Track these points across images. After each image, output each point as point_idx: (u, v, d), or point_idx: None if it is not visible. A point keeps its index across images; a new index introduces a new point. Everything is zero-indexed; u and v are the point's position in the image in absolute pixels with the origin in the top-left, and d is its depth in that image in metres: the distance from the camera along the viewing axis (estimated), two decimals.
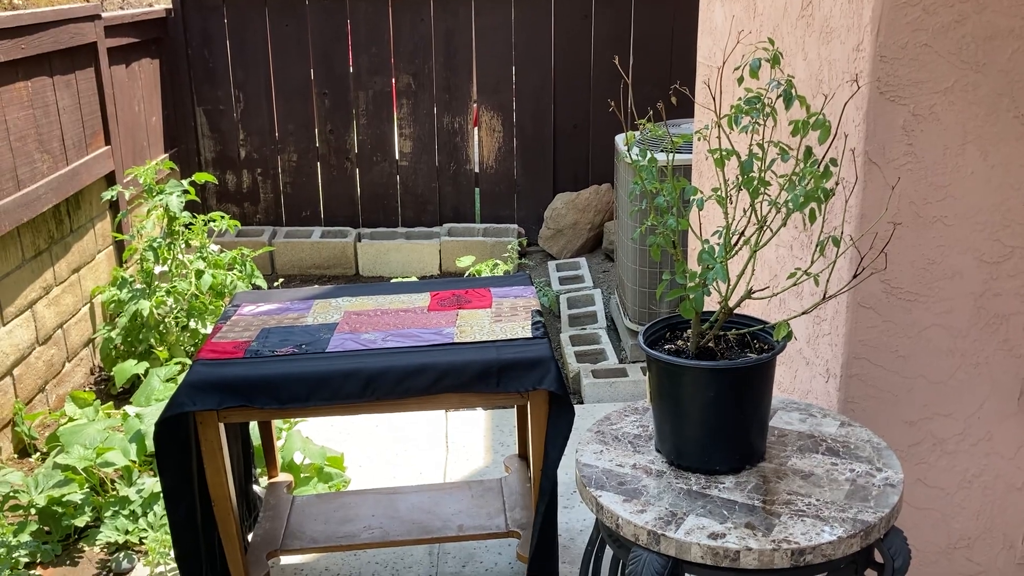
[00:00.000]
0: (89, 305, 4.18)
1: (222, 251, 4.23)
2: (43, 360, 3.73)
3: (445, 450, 3.46)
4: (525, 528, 2.52)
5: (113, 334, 3.89)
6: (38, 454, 3.48)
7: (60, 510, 2.94)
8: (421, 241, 5.50)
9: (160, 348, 3.78)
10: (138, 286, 3.98)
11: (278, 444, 3.01)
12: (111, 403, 3.74)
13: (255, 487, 2.84)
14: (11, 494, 2.90)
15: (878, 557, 1.77)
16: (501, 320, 2.43)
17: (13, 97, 3.54)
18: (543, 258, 5.61)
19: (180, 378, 3.53)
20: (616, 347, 4.34)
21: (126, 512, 2.93)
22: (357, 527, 2.58)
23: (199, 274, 3.94)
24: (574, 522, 2.91)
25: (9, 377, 3.47)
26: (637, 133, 4.41)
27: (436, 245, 5.47)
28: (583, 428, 3.04)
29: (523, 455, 2.92)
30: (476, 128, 5.76)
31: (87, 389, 4.04)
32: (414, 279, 4.93)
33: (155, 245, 3.87)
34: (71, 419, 3.44)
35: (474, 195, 5.84)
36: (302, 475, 3.11)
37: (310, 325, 2.45)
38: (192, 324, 3.89)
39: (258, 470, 3.12)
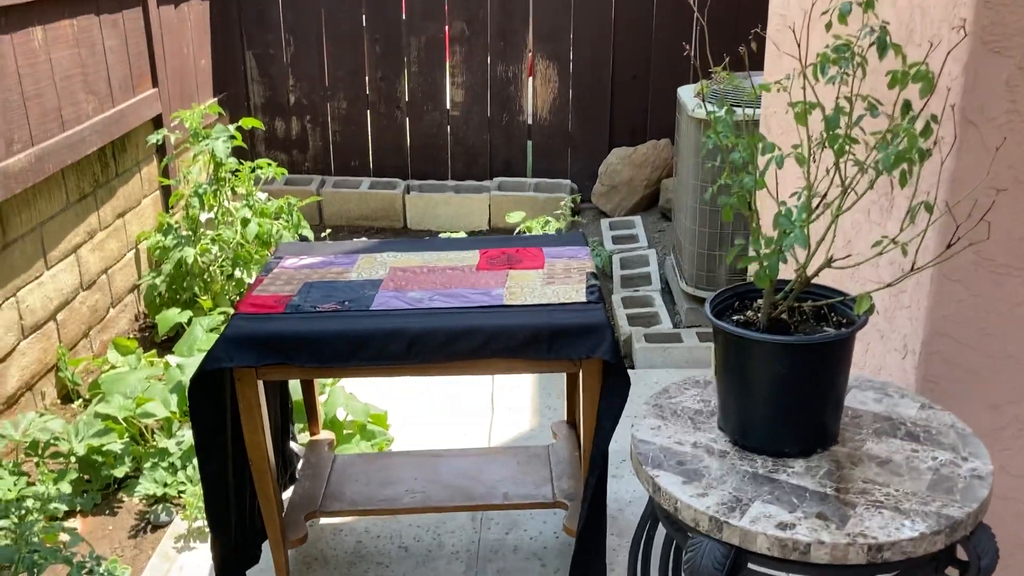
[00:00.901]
0: (134, 251, 4.13)
1: (269, 199, 4.14)
2: (87, 305, 3.69)
3: (491, 411, 3.35)
4: (572, 499, 2.40)
5: (157, 281, 3.83)
6: (80, 400, 3.44)
7: (100, 459, 2.90)
8: (470, 195, 5.36)
9: (204, 297, 3.71)
10: (184, 233, 3.91)
11: (320, 399, 2.92)
12: (154, 351, 3.69)
13: (292, 443, 2.76)
14: (51, 441, 2.86)
15: (961, 554, 1.62)
16: (554, 282, 2.29)
17: (59, 35, 3.45)
18: (596, 215, 5.44)
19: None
20: (670, 311, 4.18)
21: (165, 464, 2.88)
22: (398, 490, 2.49)
23: (245, 223, 3.85)
24: (623, 492, 2.80)
25: (53, 322, 3.43)
26: (707, 84, 4.20)
27: (486, 199, 5.33)
28: (634, 395, 2.91)
29: (571, 421, 2.80)
30: (531, 78, 5.57)
31: (131, 336, 4.00)
32: (462, 234, 4.81)
33: (201, 192, 3.78)
34: (113, 366, 3.39)
35: (526, 148, 5.68)
36: (344, 432, 3.03)
37: (354, 281, 2.34)
38: (237, 273, 3.82)
39: (299, 426, 3.05)
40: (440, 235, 5.14)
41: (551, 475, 2.54)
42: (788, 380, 1.70)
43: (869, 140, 1.80)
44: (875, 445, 1.77)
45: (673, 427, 1.86)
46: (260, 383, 2.13)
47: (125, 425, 2.94)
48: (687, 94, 4.12)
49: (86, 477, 2.93)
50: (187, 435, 2.98)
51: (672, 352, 3.67)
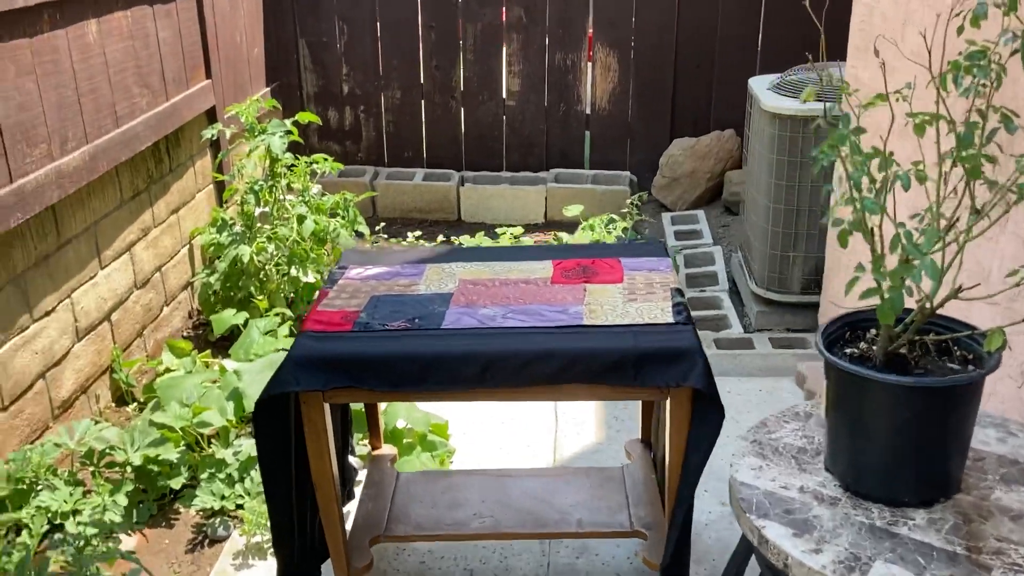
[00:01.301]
0: (188, 247, 4.05)
1: (324, 194, 4.03)
2: (141, 304, 3.61)
3: (554, 421, 3.22)
4: (651, 528, 2.27)
5: (212, 279, 3.75)
6: (135, 404, 3.37)
7: (156, 469, 2.82)
8: (526, 187, 5.21)
9: (259, 297, 3.61)
10: (238, 229, 3.81)
11: (380, 407, 2.81)
12: (208, 351, 3.61)
13: (351, 457, 2.66)
14: (107, 451, 2.78)
15: None
16: (636, 299, 2.14)
17: (112, 28, 3.35)
18: (656, 209, 5.26)
19: (280, 332, 3.36)
20: (739, 312, 4.01)
21: (222, 476, 2.79)
22: (466, 513, 2.37)
23: (301, 219, 3.75)
24: (699, 514, 2.65)
25: (107, 322, 3.36)
26: (777, 77, 4.00)
27: (542, 191, 5.17)
28: None
29: (645, 440, 2.66)
30: (589, 66, 5.40)
31: (185, 334, 3.93)
32: (519, 230, 4.67)
33: (256, 188, 3.68)
34: (168, 369, 3.31)
35: (584, 139, 5.51)
36: (405, 441, 2.92)
37: (423, 295, 2.21)
38: (293, 272, 3.72)
39: (358, 435, 2.94)
40: (495, 229, 5.00)
41: (627, 500, 2.40)
42: (911, 424, 1.54)
43: (999, 156, 1.62)
44: (1004, 494, 1.60)
45: (776, 468, 1.71)
46: (327, 405, 2.02)
47: (181, 434, 2.85)
48: (760, 86, 3.92)
49: (142, 487, 2.85)
50: (244, 444, 2.89)
51: (743, 360, 3.51)
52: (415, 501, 2.43)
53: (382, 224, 5.00)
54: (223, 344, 3.70)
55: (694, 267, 4.34)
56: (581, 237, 4.53)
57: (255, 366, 3.00)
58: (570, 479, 2.51)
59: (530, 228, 5.09)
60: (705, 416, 1.94)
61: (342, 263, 2.43)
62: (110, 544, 2.57)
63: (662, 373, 1.91)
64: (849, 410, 1.60)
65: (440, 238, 4.83)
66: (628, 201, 4.06)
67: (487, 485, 2.48)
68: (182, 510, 2.85)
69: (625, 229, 3.75)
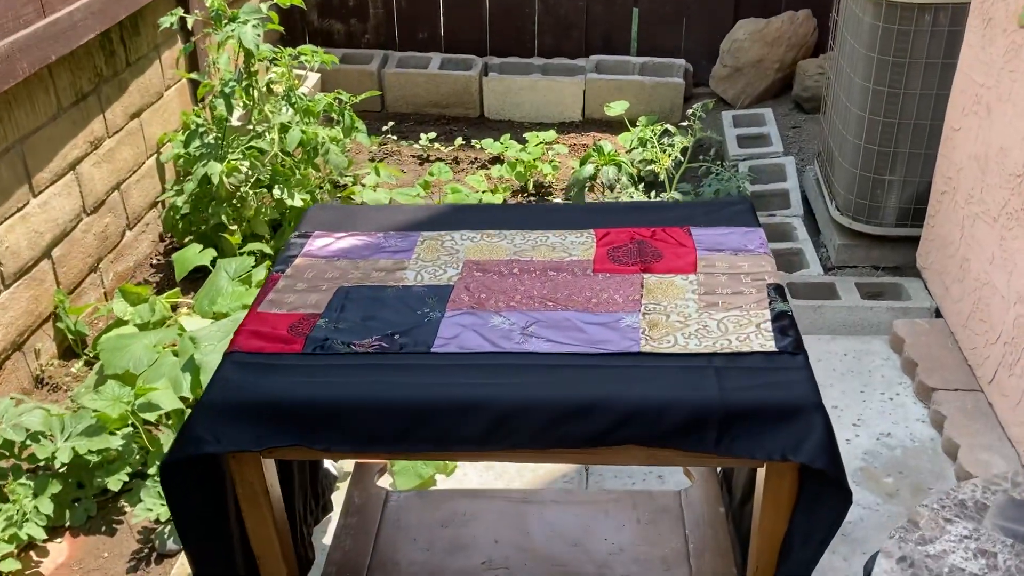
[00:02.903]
0: (155, 156, 3.39)
1: (315, 95, 3.32)
2: (93, 233, 2.99)
3: None
4: None
5: (179, 201, 3.10)
6: (83, 361, 2.80)
7: (94, 459, 2.26)
8: (561, 78, 4.43)
9: (232, 228, 2.98)
10: (211, 139, 3.14)
11: None
12: (178, 289, 3.00)
13: (328, 463, 2.07)
14: (27, 443, 2.21)
15: None
16: (716, 303, 1.48)
17: None
18: (715, 105, 4.48)
19: (254, 277, 2.73)
20: (814, 242, 3.31)
21: None
22: (473, 561, 1.79)
23: (284, 129, 3.06)
24: None
25: (47, 260, 2.75)
26: None
27: (580, 84, 4.40)
28: None
29: None
30: None
31: (155, 262, 3.32)
32: (552, 135, 3.94)
33: (227, 90, 2.98)
34: (120, 320, 2.72)
35: (631, 19, 4.67)
36: None
37: (411, 288, 1.56)
38: (277, 193, 3.06)
39: None
40: (523, 130, 4.27)
41: (686, 545, 1.80)
42: None
43: None
44: None
45: None
46: (271, 460, 1.41)
47: (121, 418, 2.28)
48: None
49: (77, 482, 2.30)
50: None
51: (825, 313, 2.84)
52: (407, 540, 1.85)
53: (391, 123, 4.29)
54: (197, 279, 3.09)
55: (761, 184, 3.62)
56: (626, 142, 3.81)
57: (216, 330, 2.40)
58: (610, 509, 1.91)
59: (565, 128, 4.34)
60: (820, 498, 1.31)
61: (304, 228, 1.77)
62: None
63: (759, 440, 1.27)
64: None
65: (459, 141, 4.12)
66: (691, 112, 3.23)
67: (502, 516, 1.89)
68: (128, 510, 2.32)
69: (685, 149, 3.02)
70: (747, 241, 1.65)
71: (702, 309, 1.46)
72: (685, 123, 3.76)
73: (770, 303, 1.47)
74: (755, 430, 1.27)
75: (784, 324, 1.41)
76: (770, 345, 1.37)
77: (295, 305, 1.52)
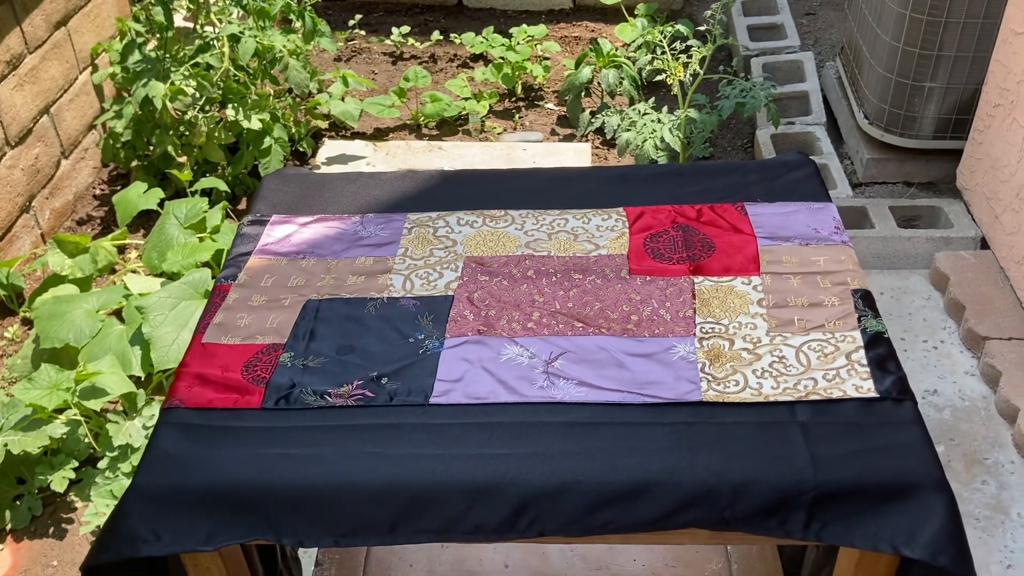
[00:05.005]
0: (90, 69, 2.95)
1: None
2: (21, 167, 2.60)
3: None
4: None
5: (119, 126, 2.69)
6: (20, 320, 2.46)
7: (34, 452, 1.96)
8: None
9: (181, 160, 2.58)
10: (151, 50, 2.70)
11: None
12: (124, 230, 2.62)
13: None
14: None
15: None
16: (790, 320, 1.16)
17: None
18: None
19: (209, 222, 2.36)
20: (838, 153, 2.97)
21: (126, 468, 1.93)
22: None
23: (234, 39, 2.63)
24: None
25: None
26: None
27: None
28: None
29: None
30: None
31: (98, 192, 2.93)
32: (541, 28, 3.50)
33: None
34: (57, 277, 2.36)
35: None
36: None
37: (399, 301, 1.22)
38: (231, 114, 2.65)
39: None
40: (508, 21, 3.83)
41: (729, 567, 1.54)
42: None
43: None
44: None
45: None
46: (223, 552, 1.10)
47: (64, 405, 1.96)
48: None
49: (17, 478, 2.01)
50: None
51: (858, 244, 2.53)
52: (402, 565, 1.58)
53: (358, 16, 3.81)
54: (150, 217, 2.71)
55: (775, 85, 3.23)
56: (623, 35, 3.39)
57: (167, 296, 2.05)
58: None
59: (553, 17, 3.89)
60: None
61: (257, 209, 1.41)
62: None
63: (860, 526, 0.98)
64: None
65: (436, 35, 3.67)
66: (709, 14, 2.71)
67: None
68: (79, 505, 2.03)
69: (703, 59, 2.58)
70: (818, 223, 1.31)
71: (773, 330, 1.15)
72: (681, 7, 3.33)
73: (859, 319, 1.15)
74: (855, 512, 0.98)
75: (881, 353, 1.10)
76: (868, 387, 1.06)
77: (251, 331, 1.19)
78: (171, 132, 2.57)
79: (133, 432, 1.98)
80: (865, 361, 1.09)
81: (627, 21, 3.44)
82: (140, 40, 2.74)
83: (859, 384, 1.07)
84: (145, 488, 1.02)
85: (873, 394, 1.06)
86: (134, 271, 2.37)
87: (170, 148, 2.57)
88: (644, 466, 1.00)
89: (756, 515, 0.99)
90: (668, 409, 1.06)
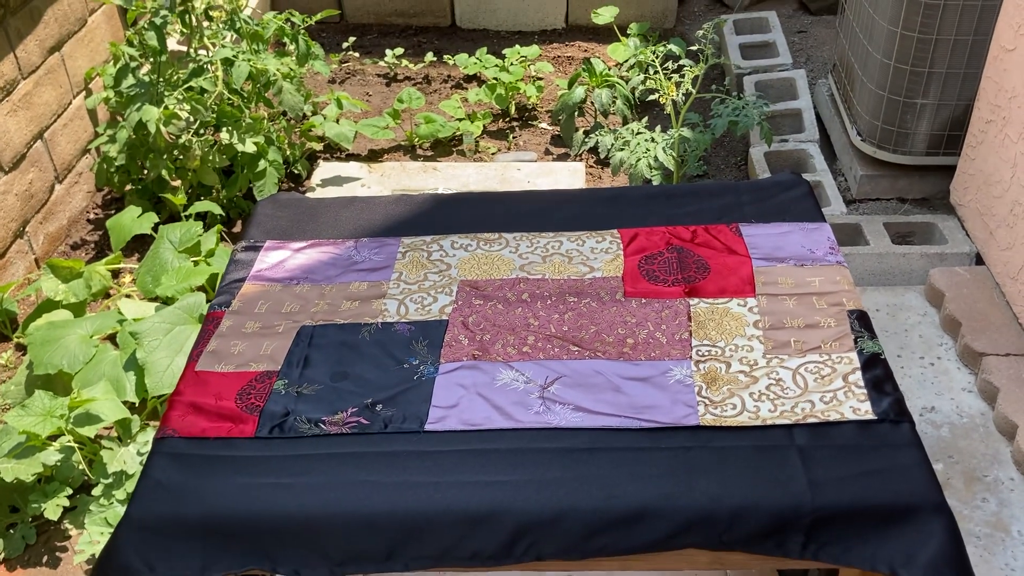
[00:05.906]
0: (84, 94, 2.95)
1: (263, 14, 2.88)
2: (14, 193, 2.59)
3: None
4: None
5: (112, 150, 2.69)
6: (14, 345, 2.45)
7: (28, 479, 1.95)
8: None
9: (175, 184, 2.58)
10: (144, 74, 2.71)
11: None
12: (118, 254, 2.61)
13: None
14: None
15: None
16: (786, 341, 1.16)
17: None
18: (709, 5, 4.05)
19: (203, 246, 2.36)
20: (832, 170, 2.98)
21: (120, 495, 1.92)
22: None
23: (228, 63, 2.63)
24: None
25: None
26: None
27: None
28: None
29: None
30: None
31: (91, 216, 2.93)
32: (533, 50, 3.51)
33: (159, 19, 2.54)
34: (50, 302, 2.35)
35: None
36: None
37: (393, 326, 1.22)
38: (225, 137, 2.66)
39: None
40: (501, 41, 3.84)
41: None
42: None
43: None
44: None
45: None
46: None
47: (58, 432, 1.95)
48: None
49: (10, 506, 1.99)
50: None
51: (852, 261, 2.53)
52: None
53: (352, 39, 3.82)
54: (144, 242, 2.70)
55: (768, 102, 3.24)
56: (616, 54, 3.40)
57: (161, 321, 2.05)
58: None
59: (547, 37, 3.91)
60: None
61: (251, 235, 1.42)
62: None
63: (858, 548, 0.98)
64: None
65: (429, 56, 3.68)
66: (701, 34, 2.70)
67: None
68: (73, 533, 2.02)
69: (696, 79, 2.59)
70: (812, 244, 1.31)
71: (770, 352, 1.14)
72: (673, 26, 3.35)
73: (855, 340, 1.15)
74: (853, 534, 0.98)
75: (878, 375, 1.10)
76: (865, 408, 1.06)
77: (245, 358, 1.18)
78: (165, 156, 2.57)
79: (127, 459, 1.97)
80: (862, 383, 1.09)
81: (620, 41, 3.47)
82: (134, 64, 2.74)
83: (856, 406, 1.06)
84: (138, 519, 1.02)
85: (871, 416, 1.05)
86: (128, 296, 2.36)
87: (164, 172, 2.57)
88: (641, 492, 1.00)
89: (753, 538, 0.98)
90: (665, 434, 1.05)
